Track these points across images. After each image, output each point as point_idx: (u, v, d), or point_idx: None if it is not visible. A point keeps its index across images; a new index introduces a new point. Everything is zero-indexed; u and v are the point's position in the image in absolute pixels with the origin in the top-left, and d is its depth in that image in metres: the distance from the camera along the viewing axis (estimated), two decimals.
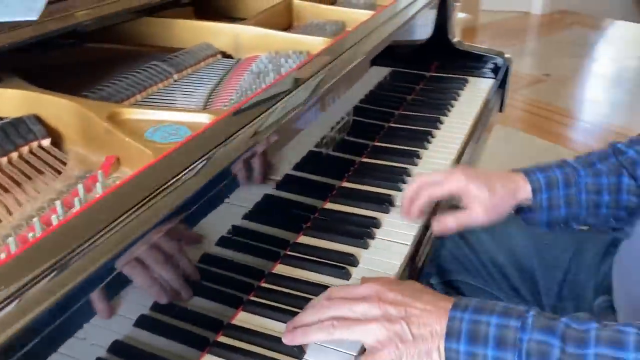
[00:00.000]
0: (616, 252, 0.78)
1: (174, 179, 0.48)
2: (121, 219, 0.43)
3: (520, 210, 0.78)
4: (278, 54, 0.91)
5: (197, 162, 0.51)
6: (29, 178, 0.59)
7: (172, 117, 0.64)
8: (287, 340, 0.56)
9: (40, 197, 0.56)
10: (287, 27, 1.13)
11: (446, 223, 0.74)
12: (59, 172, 0.60)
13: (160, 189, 0.47)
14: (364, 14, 1.10)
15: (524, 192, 0.75)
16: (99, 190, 0.55)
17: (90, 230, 0.42)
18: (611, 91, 3.36)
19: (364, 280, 0.61)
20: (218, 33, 0.97)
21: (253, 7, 1.15)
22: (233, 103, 0.75)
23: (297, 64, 0.80)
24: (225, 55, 0.97)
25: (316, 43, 0.92)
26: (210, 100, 0.79)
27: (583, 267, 0.83)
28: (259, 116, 0.60)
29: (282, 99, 0.65)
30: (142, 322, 0.49)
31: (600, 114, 3.01)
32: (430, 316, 0.52)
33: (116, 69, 0.85)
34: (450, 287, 0.94)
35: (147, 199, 0.46)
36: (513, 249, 0.89)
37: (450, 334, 0.51)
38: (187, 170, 0.50)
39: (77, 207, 0.51)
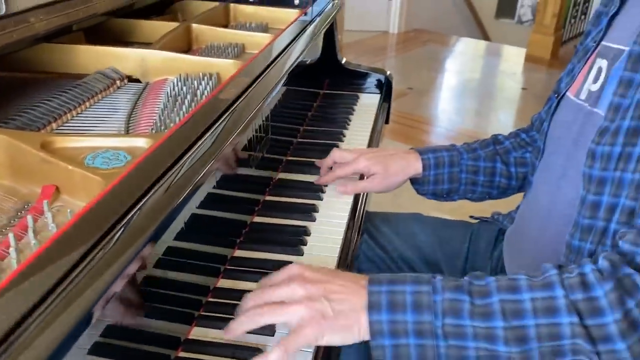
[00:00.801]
0: (503, 239, 0.92)
1: (144, 199, 0.50)
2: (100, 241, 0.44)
3: (413, 182, 0.95)
4: (189, 76, 0.93)
5: (158, 183, 0.53)
6: None
7: (108, 143, 0.64)
8: (226, 334, 0.58)
9: None
10: (187, 50, 1.15)
11: (347, 187, 0.91)
12: None
13: (132, 213, 0.48)
14: (262, 37, 1.16)
15: (414, 169, 0.92)
16: (49, 220, 0.54)
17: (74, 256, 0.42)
18: (461, 100, 3.76)
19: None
20: (124, 58, 0.96)
21: (146, 32, 1.16)
22: (159, 127, 0.76)
23: (219, 86, 0.83)
24: (132, 80, 0.97)
25: (225, 65, 0.96)
26: (130, 124, 0.80)
27: (479, 254, 0.96)
28: (200, 138, 0.63)
29: (218, 122, 0.68)
30: (98, 349, 0.48)
31: (454, 120, 3.37)
32: (349, 292, 0.57)
33: (20, 98, 0.82)
34: None
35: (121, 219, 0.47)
36: (418, 245, 1.00)
37: (372, 307, 0.55)
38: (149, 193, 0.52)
39: (31, 239, 0.50)
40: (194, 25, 1.16)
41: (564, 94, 0.75)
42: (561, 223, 0.70)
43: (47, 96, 0.81)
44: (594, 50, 0.72)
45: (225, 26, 1.34)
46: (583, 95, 0.71)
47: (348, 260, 0.79)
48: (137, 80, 0.97)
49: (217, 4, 1.36)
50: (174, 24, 1.17)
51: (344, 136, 1.12)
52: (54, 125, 0.75)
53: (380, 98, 1.34)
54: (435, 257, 0.98)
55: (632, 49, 0.62)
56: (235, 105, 0.73)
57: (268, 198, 0.90)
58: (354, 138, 1.12)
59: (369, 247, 1.01)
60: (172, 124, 0.76)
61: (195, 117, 0.69)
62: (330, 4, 1.33)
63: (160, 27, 1.18)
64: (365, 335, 0.55)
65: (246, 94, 0.78)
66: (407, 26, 4.92)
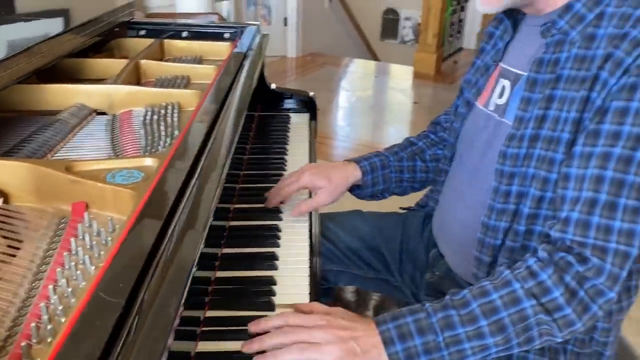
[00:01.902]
0: (430, 222, 1.14)
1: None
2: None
3: (353, 189, 1.11)
4: (154, 106, 1.06)
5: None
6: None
7: (121, 164, 0.77)
8: None
9: (27, 257, 0.64)
10: (137, 83, 1.26)
11: (300, 208, 1.01)
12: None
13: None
14: (205, 68, 1.31)
15: (353, 177, 1.09)
16: (94, 227, 0.66)
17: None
18: (359, 116, 4.07)
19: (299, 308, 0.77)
20: (91, 94, 1.07)
21: (95, 70, 1.26)
22: (149, 150, 0.89)
23: (192, 113, 0.97)
24: (99, 113, 1.07)
25: (184, 95, 1.10)
26: (117, 150, 0.91)
27: (411, 237, 1.16)
28: (201, 156, 0.78)
29: (206, 143, 0.83)
30: None
31: (354, 134, 3.66)
32: (368, 334, 0.72)
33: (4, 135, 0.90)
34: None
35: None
36: (361, 235, 1.18)
37: (386, 342, 0.70)
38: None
39: (76, 250, 0.62)
40: (142, 61, 1.28)
41: (473, 104, 0.97)
42: (477, 207, 0.91)
43: (33, 131, 0.91)
44: (494, 70, 0.94)
45: (160, 60, 1.46)
46: (491, 107, 0.92)
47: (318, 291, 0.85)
48: (104, 113, 1.07)
49: (151, 40, 1.48)
50: (121, 61, 1.28)
51: (288, 151, 1.28)
52: (49, 156, 0.86)
53: (309, 116, 1.53)
54: (376, 244, 1.18)
55: (529, 75, 0.83)
56: (215, 131, 0.88)
57: (225, 251, 0.92)
58: (295, 152, 1.29)
59: (319, 243, 1.18)
60: (159, 146, 0.89)
61: (185, 138, 0.83)
62: (258, 36, 1.50)
63: (106, 64, 1.28)
64: None
65: (219, 119, 0.92)
66: (304, 50, 5.21)
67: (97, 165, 0.76)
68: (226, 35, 1.53)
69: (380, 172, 1.11)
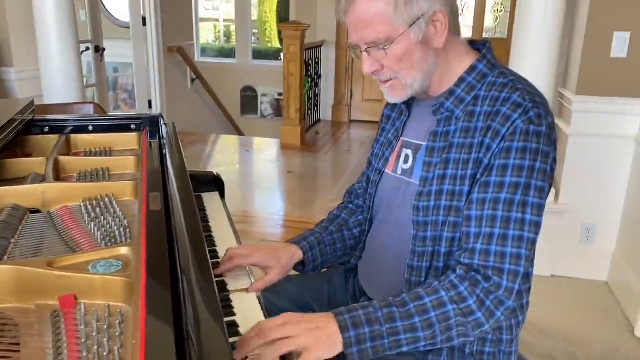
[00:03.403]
0: (353, 274, 1.30)
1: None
2: None
3: (296, 267, 1.23)
4: (90, 199, 1.11)
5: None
6: None
7: (98, 255, 0.82)
8: None
9: (37, 356, 0.67)
10: (58, 179, 1.28)
11: (256, 286, 1.13)
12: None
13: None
14: (124, 159, 1.37)
15: (297, 257, 1.21)
16: (93, 315, 0.71)
17: None
18: (234, 189, 4.16)
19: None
20: (22, 194, 1.09)
21: (9, 170, 1.27)
22: (107, 241, 0.94)
23: (141, 200, 1.04)
24: (33, 211, 1.09)
25: (118, 186, 1.16)
26: (72, 245, 0.95)
27: (337, 290, 1.31)
28: (172, 237, 0.86)
29: (170, 223, 0.91)
30: None
31: (232, 207, 3.75)
32: (329, 324, 0.90)
33: None
34: None
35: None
36: (292, 297, 1.30)
37: (343, 329, 0.89)
38: None
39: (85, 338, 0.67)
40: (61, 157, 1.31)
41: (383, 171, 1.17)
42: (400, 252, 1.10)
43: None
44: (397, 143, 1.16)
45: (68, 154, 1.49)
46: (399, 172, 1.13)
47: None
48: (38, 211, 1.09)
49: (56, 136, 1.50)
50: (36, 160, 1.30)
51: (212, 230, 1.38)
52: (5, 257, 0.88)
53: (220, 194, 1.64)
54: (306, 302, 1.30)
55: (428, 144, 1.06)
56: (171, 215, 0.97)
57: None
58: (218, 229, 1.39)
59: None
60: (119, 236, 0.95)
61: (148, 225, 0.91)
62: (164, 125, 1.60)
63: (21, 164, 1.30)
64: (342, 348, 0.88)
65: (170, 206, 1.01)
66: None
67: (76, 259, 0.81)
68: (132, 127, 1.60)
69: (317, 248, 1.24)
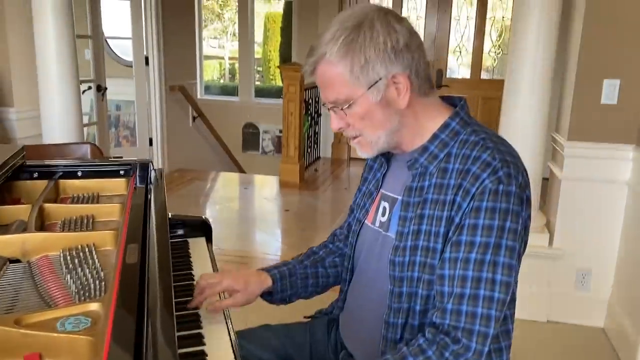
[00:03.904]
0: (334, 326, 1.29)
1: None
2: None
3: (264, 295, 1.25)
4: (70, 249, 1.11)
5: None
6: None
7: (66, 312, 0.82)
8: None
9: None
10: (41, 226, 1.29)
11: (219, 305, 1.15)
12: None
13: None
14: (109, 207, 1.38)
15: (266, 284, 1.23)
16: None
17: None
18: (233, 226, 4.18)
19: None
20: (2, 244, 1.09)
21: None
22: (81, 295, 0.94)
23: (117, 253, 1.04)
24: (13, 260, 1.09)
25: (99, 236, 1.17)
26: (46, 299, 0.95)
27: (319, 342, 1.30)
28: (143, 292, 0.86)
29: (143, 280, 0.91)
30: None
31: (228, 245, 3.74)
32: None
33: None
34: None
35: None
36: (273, 348, 1.29)
37: None
38: None
39: None
40: (46, 205, 1.32)
41: (363, 222, 1.18)
42: (378, 307, 1.09)
43: None
44: (377, 195, 1.17)
45: (56, 200, 1.50)
46: (377, 224, 1.14)
47: None
48: (17, 260, 1.10)
49: (45, 182, 1.52)
50: (22, 207, 1.32)
51: (193, 279, 1.37)
52: None
53: (206, 239, 1.64)
54: (288, 354, 1.29)
55: (403, 199, 1.06)
56: (146, 268, 0.97)
57: None
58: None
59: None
60: (92, 290, 0.95)
61: (121, 281, 0.91)
62: (153, 170, 1.62)
63: (6, 210, 1.31)
64: None
65: (146, 258, 1.01)
66: (170, 167, 5.30)
67: (45, 316, 0.81)
68: (121, 172, 1.62)
69: (288, 279, 1.26)
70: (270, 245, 3.76)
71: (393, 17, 1.02)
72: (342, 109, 1.03)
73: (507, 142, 1.06)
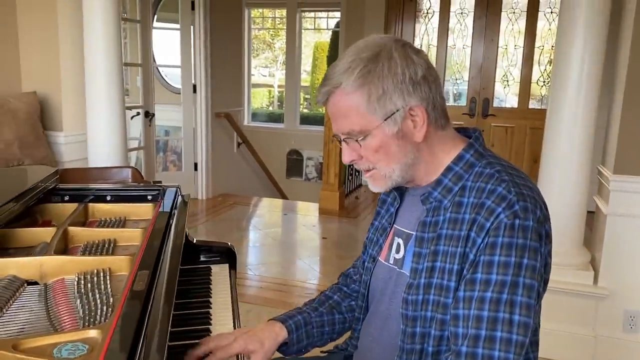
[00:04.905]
0: None
1: None
2: None
3: (279, 348, 1.18)
4: (86, 273, 1.13)
5: None
6: None
7: (65, 338, 0.83)
8: None
9: None
10: (65, 249, 1.32)
11: None
12: None
13: None
14: (131, 232, 1.40)
15: (282, 337, 1.16)
16: None
17: None
18: (269, 253, 4.18)
19: None
20: (21, 266, 1.12)
21: (22, 239, 1.32)
22: (87, 320, 0.95)
23: (127, 280, 1.05)
24: (31, 282, 1.12)
25: (115, 260, 1.18)
26: (55, 322, 0.96)
27: None
28: (143, 321, 0.86)
29: (145, 310, 0.91)
30: None
31: (267, 272, 3.73)
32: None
33: None
34: None
35: None
36: None
37: None
38: None
39: None
40: (70, 228, 1.36)
41: (377, 259, 1.14)
42: (391, 349, 1.05)
43: None
44: (390, 230, 1.13)
45: (84, 223, 1.54)
46: (391, 261, 1.10)
47: None
48: (35, 283, 1.12)
49: (75, 205, 1.56)
50: (48, 230, 1.35)
51: (211, 303, 1.37)
52: None
53: (229, 266, 1.63)
54: None
55: (417, 234, 1.03)
56: (152, 297, 0.97)
57: None
58: (219, 305, 1.38)
59: None
60: (97, 316, 0.95)
61: (124, 308, 0.91)
62: (180, 196, 1.64)
63: (33, 233, 1.35)
64: None
65: (154, 283, 1.02)
66: (214, 192, 5.39)
67: (43, 341, 0.81)
68: (149, 197, 1.65)
69: (303, 329, 1.19)
70: (307, 273, 3.74)
71: (411, 49, 1.00)
72: (356, 141, 1.01)
73: (524, 174, 1.01)
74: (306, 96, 10.15)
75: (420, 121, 0.99)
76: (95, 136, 3.07)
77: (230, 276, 1.59)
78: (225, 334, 1.14)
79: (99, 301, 1.01)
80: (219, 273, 1.59)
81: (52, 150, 3.11)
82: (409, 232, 1.07)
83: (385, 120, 0.98)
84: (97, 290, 1.06)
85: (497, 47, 5.67)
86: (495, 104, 5.82)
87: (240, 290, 3.36)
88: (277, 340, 1.15)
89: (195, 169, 5.31)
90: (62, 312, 0.99)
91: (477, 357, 0.89)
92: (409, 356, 1.00)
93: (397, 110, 0.97)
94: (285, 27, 7.33)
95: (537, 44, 5.59)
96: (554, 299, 2.39)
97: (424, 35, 5.96)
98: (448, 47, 5.88)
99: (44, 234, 1.34)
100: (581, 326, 2.48)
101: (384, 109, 0.97)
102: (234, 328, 1.27)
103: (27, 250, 1.27)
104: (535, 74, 5.68)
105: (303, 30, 7.44)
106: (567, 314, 2.47)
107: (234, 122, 5.68)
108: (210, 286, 1.49)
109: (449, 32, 5.87)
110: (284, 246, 4.42)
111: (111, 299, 1.02)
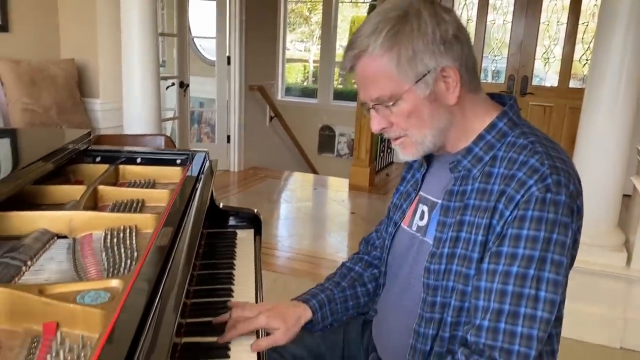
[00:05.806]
0: (368, 327, 1.25)
1: None
2: None
3: (305, 326, 1.14)
4: (113, 229, 1.16)
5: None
6: None
7: (89, 286, 0.86)
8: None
9: None
10: (94, 207, 1.36)
11: (259, 345, 1.05)
12: None
13: None
14: (159, 192, 1.43)
15: (305, 317, 1.13)
16: (66, 345, 0.74)
17: None
18: (300, 226, 4.22)
19: None
20: (52, 220, 1.16)
21: (54, 195, 1.36)
22: (111, 271, 0.98)
23: (150, 236, 1.07)
24: (61, 236, 1.16)
25: (141, 218, 1.21)
26: (80, 272, 0.99)
27: (352, 341, 1.27)
28: (162, 277, 0.88)
29: (166, 265, 0.93)
30: None
31: (296, 244, 3.78)
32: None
33: None
34: None
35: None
36: (306, 344, 1.27)
37: None
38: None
39: None
40: (100, 187, 1.39)
41: (399, 224, 1.13)
42: (409, 316, 1.04)
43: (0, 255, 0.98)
44: (415, 197, 1.11)
45: (115, 184, 1.58)
46: (414, 228, 1.08)
47: None
48: (64, 237, 1.16)
49: (107, 166, 1.60)
50: (79, 187, 1.39)
51: (234, 267, 1.39)
52: (16, 279, 0.93)
53: (254, 232, 1.65)
54: (320, 351, 1.27)
55: (443, 203, 1.00)
56: (173, 252, 0.99)
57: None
58: (242, 267, 1.40)
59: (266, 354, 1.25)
60: (122, 268, 0.98)
61: (146, 261, 0.93)
62: (208, 161, 1.66)
63: (65, 190, 1.39)
64: None
65: (177, 241, 1.04)
66: (246, 165, 5.45)
67: (67, 288, 0.84)
68: (178, 161, 1.67)
69: (327, 307, 1.16)
70: (335, 246, 3.76)
71: (440, 7, 0.96)
72: (386, 107, 0.97)
73: (559, 146, 0.97)
74: (341, 72, 10.06)
75: (453, 83, 0.95)
76: (130, 104, 3.13)
77: (255, 241, 1.60)
78: (249, 306, 1.11)
79: (123, 255, 1.04)
80: (244, 238, 1.61)
81: (88, 116, 3.18)
82: (434, 200, 1.06)
83: (416, 82, 0.93)
84: (122, 245, 1.08)
85: (539, 23, 5.48)
86: (535, 82, 5.65)
87: (269, 260, 3.41)
88: (300, 321, 1.11)
89: (228, 141, 5.36)
90: (88, 264, 1.03)
91: (499, 332, 0.87)
92: (428, 325, 1.00)
93: (429, 72, 0.93)
94: (322, 0, 7.25)
95: (582, 20, 5.38)
96: (585, 280, 2.34)
97: (463, 9, 5.81)
98: (488, 23, 5.72)
99: (75, 191, 1.38)
100: (611, 308, 2.43)
101: (415, 70, 0.93)
102: (256, 291, 1.29)
103: (58, 207, 1.31)
104: (578, 52, 5.48)
105: (340, 4, 7.34)
106: (598, 296, 2.42)
107: (266, 94, 5.70)
108: (235, 249, 1.51)
109: (489, 7, 5.70)
110: (314, 220, 4.44)
111: (135, 254, 1.05)
